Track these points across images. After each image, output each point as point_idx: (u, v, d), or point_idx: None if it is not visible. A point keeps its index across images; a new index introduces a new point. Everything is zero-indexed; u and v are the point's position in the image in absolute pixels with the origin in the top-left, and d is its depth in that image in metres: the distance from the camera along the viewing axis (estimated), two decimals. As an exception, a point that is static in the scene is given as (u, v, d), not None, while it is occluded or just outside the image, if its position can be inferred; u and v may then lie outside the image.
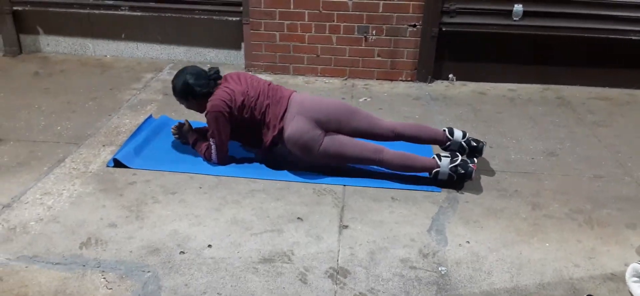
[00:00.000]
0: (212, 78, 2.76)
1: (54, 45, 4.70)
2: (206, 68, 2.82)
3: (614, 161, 2.96)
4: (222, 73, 2.84)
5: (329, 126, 2.66)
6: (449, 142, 2.80)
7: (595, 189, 2.67)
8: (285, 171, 2.75)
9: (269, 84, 2.79)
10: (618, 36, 3.91)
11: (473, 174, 2.59)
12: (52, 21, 4.60)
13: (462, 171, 2.59)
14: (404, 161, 2.65)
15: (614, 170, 2.86)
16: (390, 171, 2.72)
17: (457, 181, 2.63)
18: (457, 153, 2.69)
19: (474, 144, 2.79)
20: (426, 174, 2.70)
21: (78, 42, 4.67)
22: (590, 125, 3.45)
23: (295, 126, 2.62)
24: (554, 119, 3.53)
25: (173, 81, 2.80)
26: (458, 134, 2.80)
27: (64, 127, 3.22)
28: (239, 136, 2.82)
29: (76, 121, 3.31)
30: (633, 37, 3.90)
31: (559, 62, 4.13)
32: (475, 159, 2.68)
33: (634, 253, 2.18)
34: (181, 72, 2.78)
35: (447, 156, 2.64)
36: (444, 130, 2.81)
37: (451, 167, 2.60)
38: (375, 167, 2.76)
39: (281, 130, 2.66)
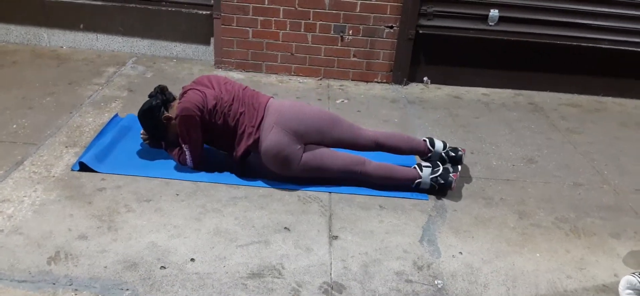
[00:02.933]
0: (156, 106, 2.60)
1: (4, 33, 4.33)
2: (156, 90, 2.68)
3: (590, 169, 3.00)
4: (191, 70, 2.68)
5: (309, 137, 2.53)
6: (430, 154, 2.74)
7: (576, 197, 2.69)
8: (267, 177, 2.61)
9: (244, 89, 2.63)
10: (589, 44, 4.00)
11: (454, 184, 2.56)
12: (2, 7, 4.24)
13: (443, 182, 2.56)
14: (386, 172, 2.59)
15: (592, 178, 2.90)
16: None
17: (439, 190, 2.59)
18: (438, 163, 2.65)
19: (453, 154, 2.74)
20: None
21: (31, 31, 4.32)
22: (565, 132, 3.50)
23: (273, 138, 2.46)
24: (529, 125, 3.56)
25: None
26: (439, 145, 2.74)
27: (20, 125, 2.94)
28: (209, 141, 2.63)
29: (33, 118, 3.04)
30: (603, 46, 3.99)
31: (530, 68, 4.18)
32: (458, 168, 2.66)
33: (622, 264, 2.20)
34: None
35: (428, 166, 2.60)
36: (425, 140, 2.75)
37: (432, 177, 2.57)
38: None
39: (257, 140, 2.50)
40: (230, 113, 2.51)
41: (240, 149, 2.54)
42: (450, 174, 2.57)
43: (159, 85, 2.68)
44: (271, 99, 2.63)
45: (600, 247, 2.30)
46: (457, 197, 2.59)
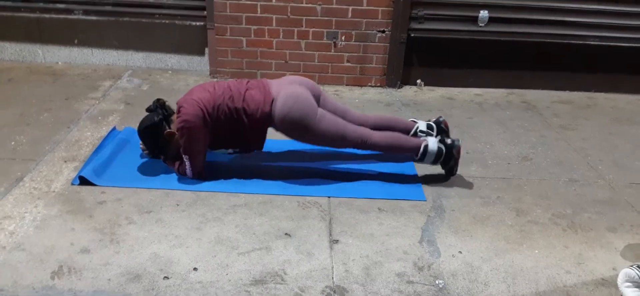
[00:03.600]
0: (158, 123, 2.61)
1: (-2, 51, 4.35)
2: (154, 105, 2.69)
3: (585, 164, 3.04)
4: (187, 81, 2.71)
5: (315, 100, 2.63)
6: (416, 125, 2.91)
7: (572, 193, 2.73)
8: (266, 184, 2.64)
9: (236, 80, 2.69)
10: (578, 41, 4.05)
11: (460, 147, 2.70)
12: (-3, 26, 4.27)
13: (449, 142, 2.68)
14: (393, 140, 2.69)
15: (587, 173, 2.94)
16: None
17: (446, 156, 2.67)
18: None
19: (435, 120, 2.98)
20: (412, 172, 2.78)
21: (26, 48, 4.34)
22: (558, 129, 3.54)
23: (288, 91, 2.54)
24: (523, 124, 3.60)
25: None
26: (421, 121, 2.97)
27: (19, 142, 2.95)
28: (223, 139, 2.63)
29: (31, 134, 3.05)
30: (591, 42, 4.05)
31: (522, 67, 4.24)
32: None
33: (620, 257, 2.23)
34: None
35: (431, 134, 2.81)
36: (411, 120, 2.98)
37: (439, 139, 2.71)
38: (357, 168, 2.84)
39: (271, 104, 2.51)
40: (233, 99, 2.52)
41: (261, 120, 2.53)
42: (455, 141, 2.70)
43: (158, 99, 2.68)
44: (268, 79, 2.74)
45: (598, 241, 2.33)
46: (455, 197, 2.62)
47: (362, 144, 2.64)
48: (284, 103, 2.50)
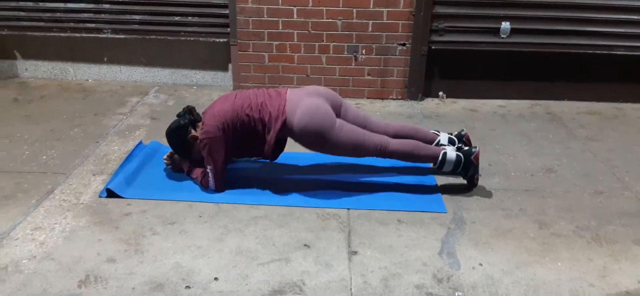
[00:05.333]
0: (184, 126, 2.71)
1: (32, 70, 4.53)
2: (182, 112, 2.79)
3: (611, 176, 2.98)
4: (211, 96, 2.79)
5: (334, 108, 2.68)
6: (438, 138, 2.93)
7: (597, 205, 2.68)
8: (286, 196, 2.67)
9: (257, 88, 2.77)
10: (603, 51, 3.99)
11: (478, 152, 2.71)
12: (31, 45, 4.45)
13: (466, 148, 2.74)
14: (410, 148, 2.71)
15: (613, 185, 2.88)
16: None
17: (464, 163, 2.70)
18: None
19: (456, 133, 3.02)
20: (432, 184, 2.81)
21: (58, 66, 4.51)
22: (584, 140, 3.48)
23: (306, 103, 2.57)
24: (547, 135, 3.55)
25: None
26: (443, 134, 2.98)
27: (50, 156, 3.07)
28: (243, 148, 2.71)
29: (62, 149, 3.17)
30: (617, 53, 3.98)
31: (546, 78, 4.19)
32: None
33: (645, 270, 2.18)
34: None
35: (449, 145, 2.85)
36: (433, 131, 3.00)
37: (458, 146, 2.80)
38: (377, 180, 2.86)
39: (284, 121, 2.56)
40: (252, 107, 2.61)
41: (272, 137, 2.59)
42: (473, 148, 2.74)
43: (187, 105, 2.81)
44: (288, 88, 2.77)
45: (623, 254, 2.28)
46: (476, 209, 2.61)
47: (381, 152, 2.67)
48: (302, 115, 2.55)
